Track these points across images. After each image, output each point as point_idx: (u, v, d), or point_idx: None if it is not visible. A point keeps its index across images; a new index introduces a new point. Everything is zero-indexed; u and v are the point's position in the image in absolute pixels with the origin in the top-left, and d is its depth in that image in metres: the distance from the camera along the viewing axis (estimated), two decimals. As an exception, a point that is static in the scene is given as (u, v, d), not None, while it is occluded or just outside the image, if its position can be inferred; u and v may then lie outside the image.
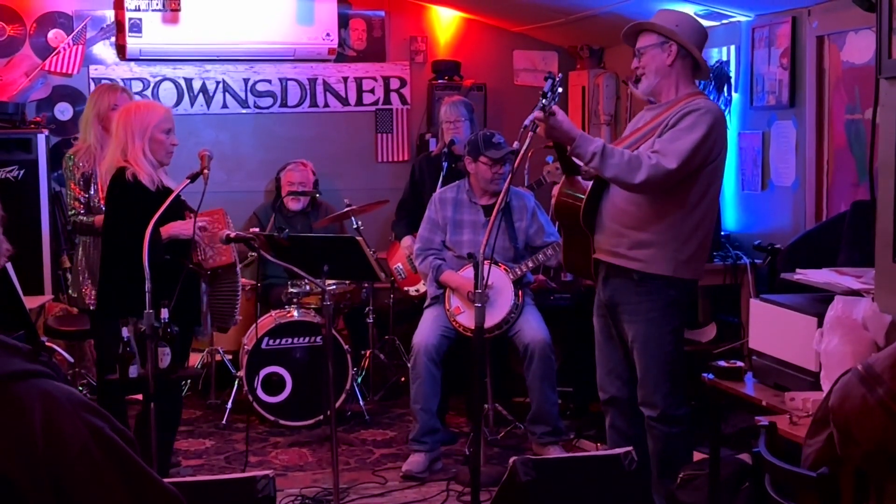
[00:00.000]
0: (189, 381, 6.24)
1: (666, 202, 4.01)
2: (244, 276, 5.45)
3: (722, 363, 3.84)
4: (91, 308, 4.99)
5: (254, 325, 5.91)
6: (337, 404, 5.37)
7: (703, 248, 4.15)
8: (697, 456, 4.24)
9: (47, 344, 5.93)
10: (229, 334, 6.13)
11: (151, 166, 4.44)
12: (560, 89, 3.86)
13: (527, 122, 3.82)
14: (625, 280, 4.11)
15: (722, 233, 5.66)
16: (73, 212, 5.09)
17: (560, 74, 4.01)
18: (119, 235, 4.40)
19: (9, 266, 4.09)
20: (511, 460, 3.34)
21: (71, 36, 6.79)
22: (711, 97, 5.52)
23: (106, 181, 4.56)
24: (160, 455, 4.50)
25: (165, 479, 1.78)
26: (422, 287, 6.01)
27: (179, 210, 4.44)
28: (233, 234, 4.41)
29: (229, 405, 5.97)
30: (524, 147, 3.86)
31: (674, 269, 4.05)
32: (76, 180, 5.05)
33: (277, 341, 5.89)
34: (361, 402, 6.08)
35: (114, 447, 1.67)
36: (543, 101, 3.80)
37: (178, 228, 4.37)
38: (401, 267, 6.40)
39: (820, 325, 3.39)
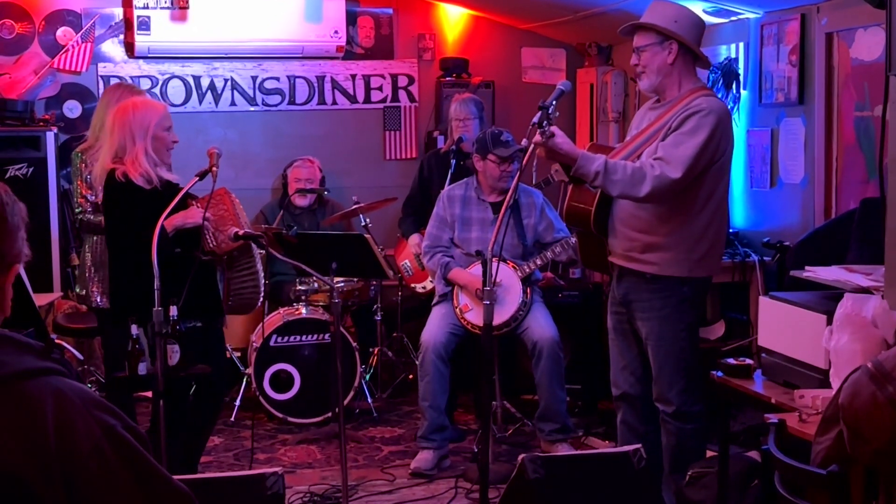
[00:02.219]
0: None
1: (674, 204, 4.00)
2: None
3: (731, 361, 3.84)
4: (96, 306, 4.98)
5: (261, 323, 5.92)
6: (345, 402, 5.37)
7: (717, 246, 4.15)
8: (707, 453, 4.23)
9: (56, 341, 5.94)
10: (237, 331, 6.15)
11: (151, 165, 4.33)
12: (557, 114, 3.82)
13: (534, 119, 3.82)
14: (638, 278, 4.11)
15: (730, 230, 5.65)
16: (79, 209, 5.06)
17: (558, 92, 3.85)
18: (125, 239, 4.30)
19: (19, 264, 4.09)
20: (520, 458, 3.35)
21: (80, 34, 6.79)
22: (719, 95, 5.51)
23: (99, 185, 4.46)
24: (188, 455, 4.51)
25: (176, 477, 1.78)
26: (429, 284, 6.01)
27: (183, 203, 4.33)
28: (241, 232, 4.37)
29: (237, 402, 5.98)
30: (532, 145, 3.86)
31: (689, 270, 4.06)
32: (83, 177, 5.03)
33: (285, 339, 5.89)
34: (370, 400, 6.09)
35: (126, 445, 1.67)
36: (541, 127, 3.77)
37: (182, 218, 4.27)
38: (408, 264, 6.40)
39: (829, 322, 3.39)
